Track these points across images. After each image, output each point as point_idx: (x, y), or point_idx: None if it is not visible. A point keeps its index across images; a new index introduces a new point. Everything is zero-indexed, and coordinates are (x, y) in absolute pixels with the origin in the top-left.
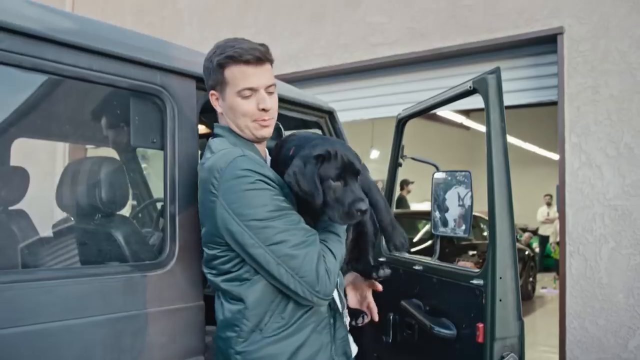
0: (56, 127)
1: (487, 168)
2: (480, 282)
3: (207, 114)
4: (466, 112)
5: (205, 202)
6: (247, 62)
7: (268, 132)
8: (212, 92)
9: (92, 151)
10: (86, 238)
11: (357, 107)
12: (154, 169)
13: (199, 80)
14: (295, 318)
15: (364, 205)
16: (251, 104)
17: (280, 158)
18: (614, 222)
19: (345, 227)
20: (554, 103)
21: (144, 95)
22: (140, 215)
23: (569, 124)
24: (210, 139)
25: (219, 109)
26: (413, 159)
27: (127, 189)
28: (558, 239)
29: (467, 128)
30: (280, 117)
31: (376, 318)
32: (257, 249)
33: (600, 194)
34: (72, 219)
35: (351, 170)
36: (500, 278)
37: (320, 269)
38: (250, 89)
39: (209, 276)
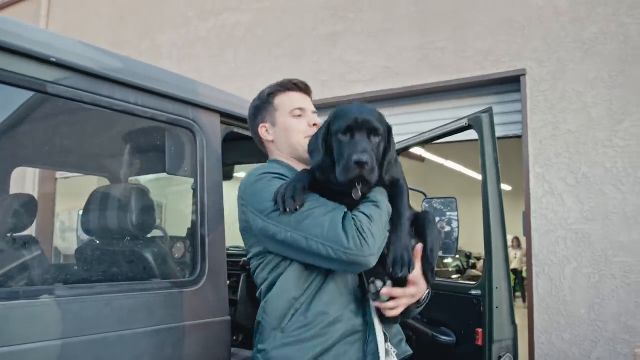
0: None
1: (482, 193)
2: (479, 292)
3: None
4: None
5: (240, 219)
6: (293, 90)
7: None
8: (262, 124)
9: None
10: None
11: None
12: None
13: (222, 114)
14: (321, 320)
15: (362, 157)
16: (302, 122)
17: None
18: (575, 245)
19: (381, 193)
20: (519, 137)
21: (179, 128)
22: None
23: (532, 156)
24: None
25: (269, 138)
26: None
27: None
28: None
29: (423, 160)
30: None
31: None
32: (284, 234)
33: (563, 219)
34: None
35: (361, 124)
36: (497, 288)
37: (349, 227)
38: (300, 109)
39: (258, 288)
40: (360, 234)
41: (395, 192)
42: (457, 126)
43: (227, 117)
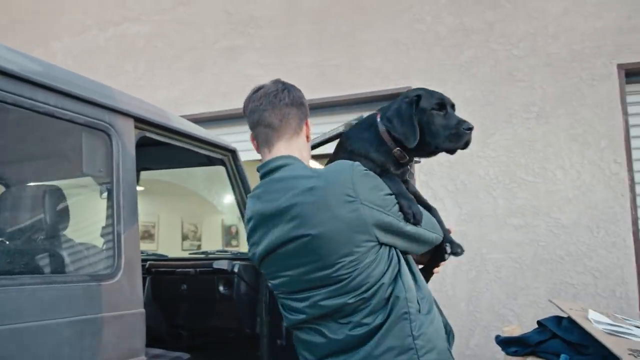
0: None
1: None
2: None
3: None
4: None
5: (341, 217)
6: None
7: None
8: (308, 120)
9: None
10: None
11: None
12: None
13: (136, 119)
14: (421, 295)
15: (471, 124)
16: None
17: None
18: None
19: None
20: None
21: (95, 130)
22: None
23: (418, 166)
24: (281, 168)
25: (308, 134)
26: None
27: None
28: None
29: None
30: (187, 152)
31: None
32: (406, 227)
33: (444, 222)
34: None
35: (447, 101)
36: None
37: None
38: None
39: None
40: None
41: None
42: (337, 132)
43: (140, 122)
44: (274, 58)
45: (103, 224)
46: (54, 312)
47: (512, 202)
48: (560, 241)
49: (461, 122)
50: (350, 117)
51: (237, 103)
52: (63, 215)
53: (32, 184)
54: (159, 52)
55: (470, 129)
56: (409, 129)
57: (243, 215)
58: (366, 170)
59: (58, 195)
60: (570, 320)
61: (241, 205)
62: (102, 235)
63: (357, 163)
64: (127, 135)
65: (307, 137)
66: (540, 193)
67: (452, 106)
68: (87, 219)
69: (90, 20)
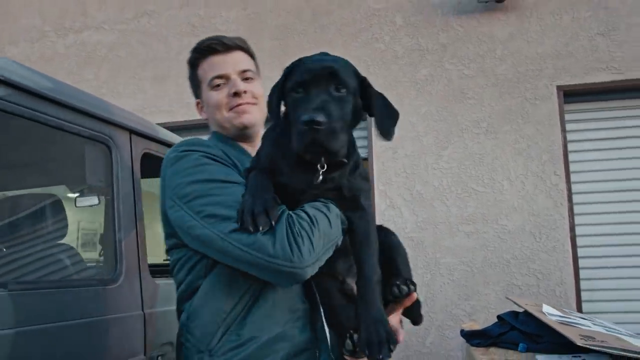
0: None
1: None
2: None
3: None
4: None
5: (161, 201)
6: (213, 52)
7: (248, 118)
8: (197, 101)
9: None
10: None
11: None
12: None
13: (132, 132)
14: (258, 339)
15: (315, 115)
16: (222, 92)
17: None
18: (411, 250)
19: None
20: (366, 159)
21: (97, 143)
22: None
23: (377, 176)
24: None
25: (203, 116)
26: None
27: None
28: None
29: None
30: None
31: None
32: (200, 229)
33: (401, 229)
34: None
35: (318, 75)
36: None
37: (279, 228)
38: (220, 76)
39: (177, 292)
40: (294, 237)
41: (359, 219)
42: None
43: (136, 134)
44: None
45: (105, 231)
46: (67, 314)
47: (463, 210)
48: (507, 246)
49: (305, 111)
50: None
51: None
52: (64, 223)
53: (36, 191)
54: (121, 61)
55: (309, 122)
56: (269, 109)
57: None
58: (189, 151)
59: (59, 204)
60: (526, 314)
61: None
62: (104, 242)
63: (198, 144)
64: (125, 147)
65: (204, 118)
66: (489, 202)
67: (328, 78)
68: (90, 226)
69: (49, 26)
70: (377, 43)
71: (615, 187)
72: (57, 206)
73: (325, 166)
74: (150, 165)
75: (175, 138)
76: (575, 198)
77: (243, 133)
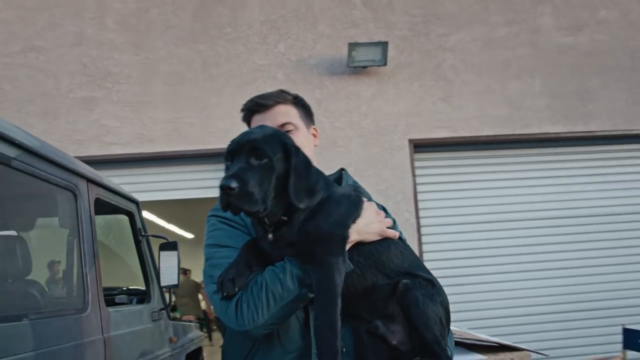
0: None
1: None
2: None
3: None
4: None
5: None
6: (255, 112)
7: None
8: None
9: None
10: None
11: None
12: None
13: (88, 181)
14: None
15: (226, 181)
16: None
17: None
18: None
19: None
20: None
21: (66, 191)
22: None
23: None
24: None
25: None
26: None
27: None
28: None
29: None
30: (106, 204)
31: None
32: (205, 287)
33: None
34: None
35: (241, 147)
36: None
37: (235, 297)
38: None
39: None
40: (241, 304)
41: (313, 272)
42: None
43: (91, 183)
44: (131, 112)
45: (72, 267)
46: (43, 342)
47: None
48: None
49: (223, 178)
50: (200, 168)
51: (93, 150)
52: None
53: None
54: (6, 94)
55: (221, 187)
56: None
57: (143, 260)
58: (211, 216)
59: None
60: None
61: (144, 251)
62: (71, 277)
63: (214, 206)
64: (85, 193)
65: None
66: None
67: (250, 150)
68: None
69: None
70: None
71: (455, 221)
72: (23, 245)
73: (273, 226)
74: (99, 208)
75: (115, 184)
76: (423, 230)
77: None
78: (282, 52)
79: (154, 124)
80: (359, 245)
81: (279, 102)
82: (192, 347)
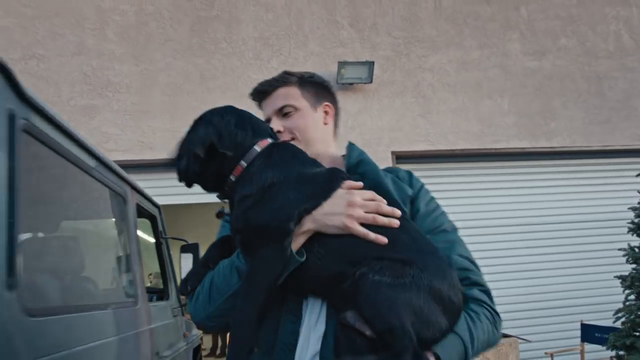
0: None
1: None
2: None
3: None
4: None
5: None
6: (260, 100)
7: None
8: None
9: None
10: None
11: None
12: None
13: (132, 188)
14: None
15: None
16: None
17: None
18: None
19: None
20: None
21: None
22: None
23: None
24: None
25: None
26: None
27: None
28: None
29: None
30: (139, 207)
31: None
32: None
33: None
34: None
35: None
36: None
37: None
38: (267, 120)
39: None
40: (194, 297)
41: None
42: None
43: (134, 190)
44: (131, 121)
45: (124, 264)
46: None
47: None
48: None
49: None
50: None
51: None
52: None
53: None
54: None
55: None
56: None
57: (163, 260)
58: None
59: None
60: None
61: (164, 252)
62: (124, 273)
63: None
64: (132, 198)
65: None
66: None
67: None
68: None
69: None
70: (255, 108)
71: None
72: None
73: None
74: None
75: (147, 192)
76: None
77: None
78: (275, 68)
79: (153, 132)
80: (321, 235)
81: (278, 86)
82: (197, 343)
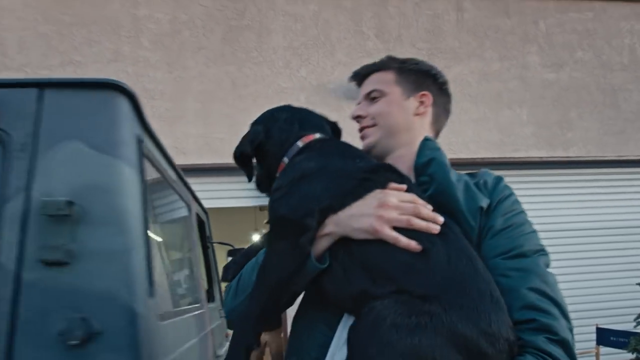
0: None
1: None
2: None
3: None
4: None
5: None
6: (358, 83)
7: (366, 143)
8: None
9: None
10: None
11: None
12: None
13: (192, 195)
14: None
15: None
16: None
17: None
18: None
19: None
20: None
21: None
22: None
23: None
24: None
25: None
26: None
27: None
28: None
29: None
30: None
31: None
32: None
33: None
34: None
35: None
36: None
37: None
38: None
39: None
40: (228, 290)
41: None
42: None
43: (194, 198)
44: (164, 126)
45: (192, 267)
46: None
47: None
48: None
49: None
50: (229, 180)
51: None
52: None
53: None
54: None
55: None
56: None
57: (209, 264)
58: None
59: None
60: None
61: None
62: (194, 276)
63: None
64: (196, 211)
65: None
66: None
67: None
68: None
69: None
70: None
71: None
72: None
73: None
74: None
75: (201, 201)
76: None
77: (374, 157)
78: (304, 77)
79: (186, 137)
80: (349, 241)
81: (374, 70)
82: None
